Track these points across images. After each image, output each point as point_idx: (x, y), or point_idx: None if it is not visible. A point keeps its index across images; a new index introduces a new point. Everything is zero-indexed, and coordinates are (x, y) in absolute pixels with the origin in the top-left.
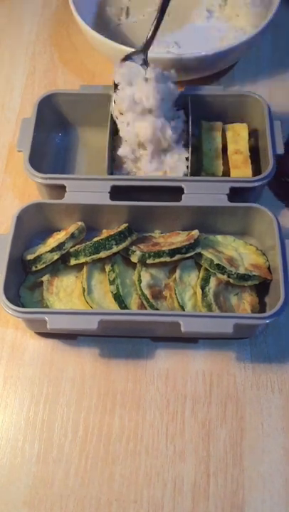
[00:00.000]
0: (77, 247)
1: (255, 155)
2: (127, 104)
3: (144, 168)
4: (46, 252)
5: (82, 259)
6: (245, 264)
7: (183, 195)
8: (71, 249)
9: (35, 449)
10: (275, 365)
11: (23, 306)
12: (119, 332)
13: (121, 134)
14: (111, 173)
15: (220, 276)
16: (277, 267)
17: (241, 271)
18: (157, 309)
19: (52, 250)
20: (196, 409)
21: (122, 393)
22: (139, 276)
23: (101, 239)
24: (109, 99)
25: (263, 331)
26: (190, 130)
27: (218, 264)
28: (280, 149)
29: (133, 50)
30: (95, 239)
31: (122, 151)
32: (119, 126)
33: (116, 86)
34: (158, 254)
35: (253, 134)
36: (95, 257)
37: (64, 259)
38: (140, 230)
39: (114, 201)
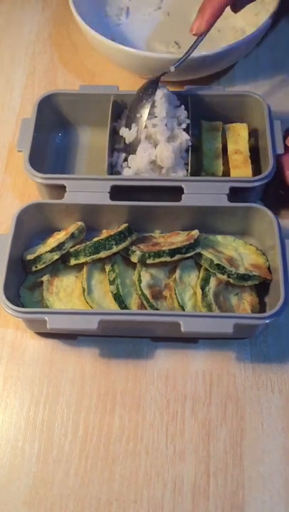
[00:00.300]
0: (77, 247)
1: (255, 155)
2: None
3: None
4: (46, 252)
5: (82, 259)
6: (245, 264)
7: (183, 195)
8: (71, 249)
9: (35, 449)
10: (275, 365)
11: (23, 306)
12: (119, 332)
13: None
14: (111, 173)
15: (220, 276)
16: (277, 267)
17: (241, 271)
18: (157, 309)
19: (52, 250)
20: (196, 409)
21: (122, 393)
22: (139, 276)
23: (101, 239)
24: (110, 99)
25: (263, 331)
26: (190, 130)
27: (218, 264)
28: (280, 149)
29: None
30: (95, 239)
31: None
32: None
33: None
34: (158, 254)
35: (253, 134)
36: (95, 257)
37: (64, 259)
38: (140, 230)
39: (114, 201)
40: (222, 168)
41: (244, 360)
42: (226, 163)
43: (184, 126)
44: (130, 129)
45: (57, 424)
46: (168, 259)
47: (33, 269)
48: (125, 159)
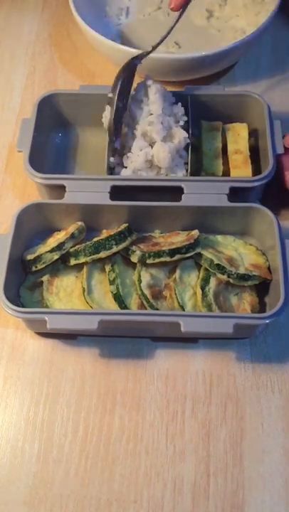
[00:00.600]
0: (77, 247)
1: (255, 155)
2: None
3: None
4: (46, 252)
5: (82, 259)
6: (245, 264)
7: (183, 195)
8: (71, 249)
9: (35, 449)
10: (275, 365)
11: (23, 306)
12: (119, 332)
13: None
14: (111, 173)
15: (220, 276)
16: (277, 267)
17: (241, 271)
18: (157, 309)
19: (52, 250)
20: (196, 409)
21: (122, 393)
22: (139, 276)
23: (101, 239)
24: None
25: (263, 331)
26: (190, 130)
27: (218, 264)
28: (280, 149)
29: (140, 52)
30: (95, 239)
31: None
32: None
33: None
34: (158, 254)
35: (253, 133)
36: (95, 257)
37: (64, 259)
38: (140, 230)
39: (114, 201)
40: (222, 168)
41: (244, 360)
42: (226, 163)
43: (181, 123)
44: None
45: (57, 424)
46: (168, 259)
47: (33, 269)
48: (113, 154)
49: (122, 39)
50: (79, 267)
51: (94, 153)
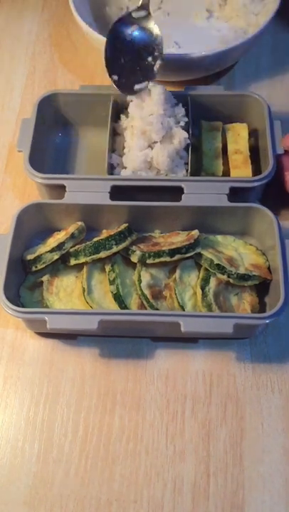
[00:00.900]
0: (77, 247)
1: (255, 155)
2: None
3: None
4: (46, 252)
5: (82, 259)
6: (245, 264)
7: (183, 195)
8: (71, 249)
9: (35, 449)
10: (275, 365)
11: (23, 306)
12: (119, 332)
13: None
14: (111, 173)
15: (220, 276)
16: (277, 267)
17: (241, 271)
18: (157, 309)
19: (52, 250)
20: (196, 409)
21: (122, 393)
22: (139, 276)
23: (101, 239)
24: (110, 99)
25: (263, 331)
26: (190, 130)
27: (218, 264)
28: (280, 149)
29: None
30: (95, 239)
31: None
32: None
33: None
34: (158, 254)
35: (253, 133)
36: (95, 257)
37: (64, 259)
38: (140, 230)
39: (114, 201)
40: (222, 168)
41: (244, 360)
42: (226, 163)
43: (182, 124)
44: None
45: (57, 424)
46: (168, 259)
47: (33, 269)
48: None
49: None
50: (79, 267)
51: (94, 153)
